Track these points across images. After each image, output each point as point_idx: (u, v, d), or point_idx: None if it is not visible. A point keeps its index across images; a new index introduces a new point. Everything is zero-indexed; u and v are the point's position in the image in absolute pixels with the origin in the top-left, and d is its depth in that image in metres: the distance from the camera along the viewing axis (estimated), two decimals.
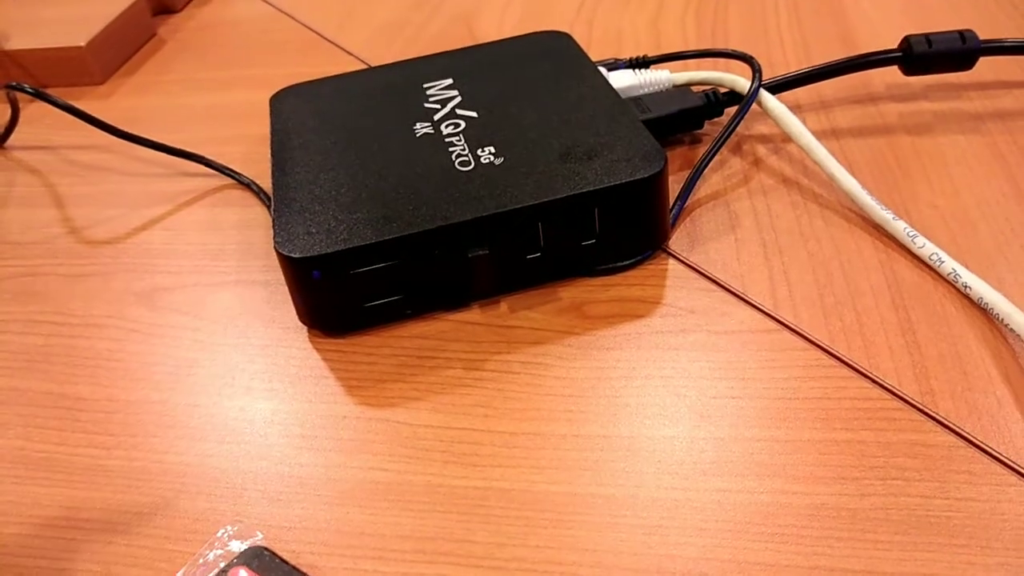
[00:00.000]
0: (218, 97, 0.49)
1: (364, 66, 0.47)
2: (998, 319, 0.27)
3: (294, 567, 0.23)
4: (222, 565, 0.23)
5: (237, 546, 0.24)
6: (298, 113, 0.37)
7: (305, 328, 0.32)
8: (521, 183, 0.30)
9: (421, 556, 0.24)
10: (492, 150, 0.32)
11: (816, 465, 0.25)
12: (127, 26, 0.53)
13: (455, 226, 0.29)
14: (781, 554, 0.23)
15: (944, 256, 0.29)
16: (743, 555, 0.23)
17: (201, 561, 0.24)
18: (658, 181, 0.30)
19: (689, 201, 0.34)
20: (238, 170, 0.41)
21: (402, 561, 0.24)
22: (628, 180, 0.30)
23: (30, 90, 0.43)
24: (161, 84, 0.51)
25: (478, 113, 0.34)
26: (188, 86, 0.50)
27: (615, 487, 0.25)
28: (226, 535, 0.24)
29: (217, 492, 0.27)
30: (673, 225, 0.33)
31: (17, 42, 0.50)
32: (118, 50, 0.52)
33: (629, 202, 0.30)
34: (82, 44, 0.49)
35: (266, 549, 0.23)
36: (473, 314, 0.31)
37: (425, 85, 0.37)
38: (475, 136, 0.33)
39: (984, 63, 0.37)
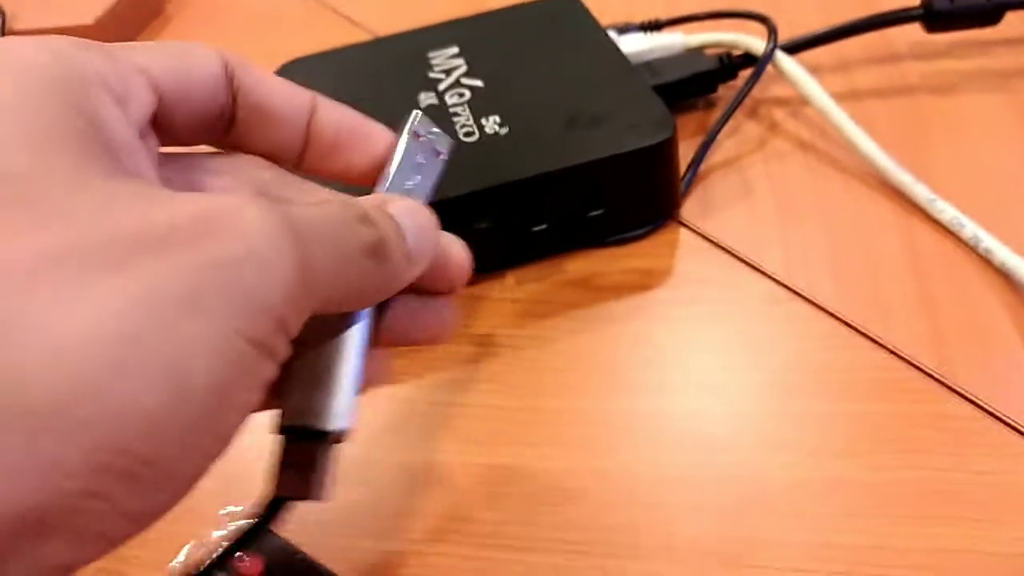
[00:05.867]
0: None
1: (371, 36, 0.46)
2: (1020, 284, 0.26)
3: (294, 546, 0.23)
4: (225, 544, 0.23)
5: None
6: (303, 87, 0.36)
7: None
8: (526, 153, 0.29)
9: (423, 535, 0.23)
10: (497, 120, 0.31)
11: (829, 438, 0.24)
12: (135, 3, 0.52)
13: (458, 199, 0.28)
14: (792, 531, 0.22)
15: (965, 220, 0.28)
16: (751, 532, 0.22)
17: (204, 541, 0.24)
18: (667, 148, 0.29)
19: (702, 168, 0.33)
20: None
21: (403, 540, 0.23)
22: (635, 148, 0.29)
23: None
24: None
25: (484, 82, 0.33)
26: None
27: (621, 463, 0.24)
28: (228, 515, 0.24)
29: (219, 472, 0.26)
30: (685, 193, 0.32)
31: (25, 21, 0.50)
32: (126, 28, 0.52)
33: (637, 171, 0.29)
34: (90, 22, 0.49)
35: (268, 529, 0.23)
36: (478, 288, 0.30)
37: (430, 54, 0.36)
38: (480, 106, 0.32)
39: (1011, 18, 0.35)
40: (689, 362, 0.27)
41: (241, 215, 0.14)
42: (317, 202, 0.17)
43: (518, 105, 0.32)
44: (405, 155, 0.20)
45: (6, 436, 0.11)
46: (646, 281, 0.29)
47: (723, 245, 0.30)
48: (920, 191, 0.29)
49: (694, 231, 0.31)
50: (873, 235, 0.29)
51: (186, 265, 0.13)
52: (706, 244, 0.30)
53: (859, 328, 0.26)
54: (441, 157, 0.21)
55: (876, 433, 0.24)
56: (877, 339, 0.26)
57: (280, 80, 0.19)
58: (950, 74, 0.36)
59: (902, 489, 0.22)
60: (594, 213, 0.30)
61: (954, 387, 0.24)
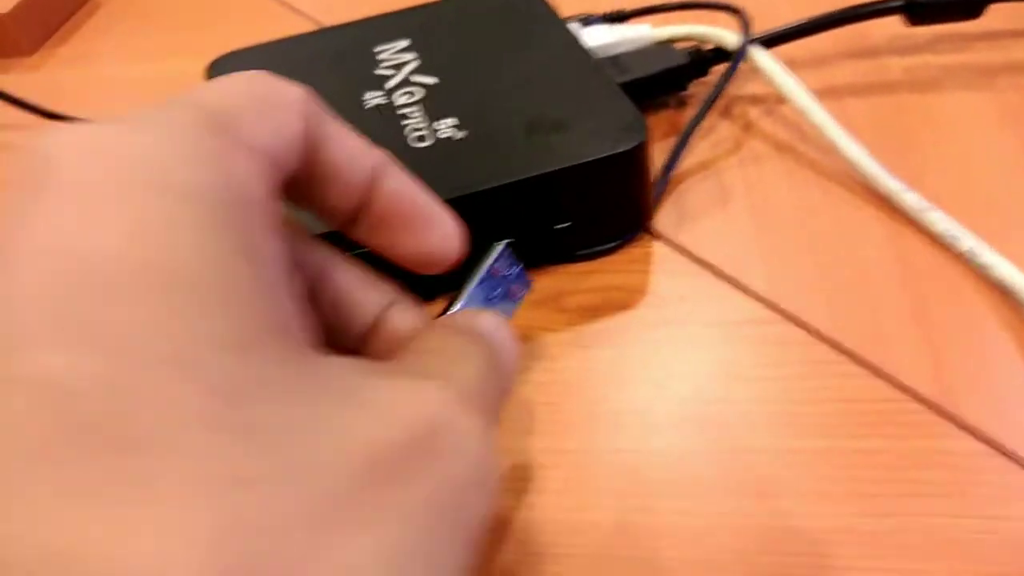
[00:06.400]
0: (159, 67, 0.44)
1: (315, 27, 0.43)
2: (1022, 303, 0.24)
3: None
4: None
5: None
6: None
7: None
8: (483, 162, 0.27)
9: None
10: (453, 122, 0.28)
11: (825, 480, 0.22)
12: None
13: None
14: None
15: (960, 232, 0.26)
16: None
17: None
18: (638, 155, 0.27)
19: (675, 173, 0.31)
20: None
21: None
22: (604, 155, 0.26)
23: None
24: (96, 54, 0.46)
25: (438, 79, 0.31)
26: (126, 55, 0.46)
27: (598, 511, 0.22)
28: None
29: None
30: (657, 201, 0.29)
31: None
32: (48, 17, 0.48)
33: (606, 180, 0.27)
34: (3, 12, 0.45)
35: None
36: (435, 310, 0.27)
37: (377, 49, 0.33)
38: (434, 106, 0.29)
39: (994, 11, 0.33)
40: (671, 392, 0.24)
41: (454, 425, 0.12)
42: (465, 358, 0.15)
43: (475, 106, 0.29)
44: (477, 288, 0.19)
45: None
46: (620, 300, 0.27)
47: (700, 258, 0.28)
48: (910, 199, 0.27)
49: (669, 244, 0.28)
50: (860, 248, 0.27)
51: (420, 505, 0.11)
52: (682, 258, 0.28)
53: (851, 352, 0.24)
54: (517, 300, 0.20)
55: (875, 473, 0.22)
56: (872, 364, 0.24)
57: (353, 136, 0.17)
58: (932, 69, 0.34)
59: (908, 539, 0.20)
60: (561, 226, 0.27)
61: (958, 420, 0.22)
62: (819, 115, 0.30)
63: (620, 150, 0.26)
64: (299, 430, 0.11)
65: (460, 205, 0.25)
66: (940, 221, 0.26)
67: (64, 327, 0.10)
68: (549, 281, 0.28)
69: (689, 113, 0.32)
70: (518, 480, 0.23)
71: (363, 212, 0.17)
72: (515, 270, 0.20)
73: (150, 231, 0.11)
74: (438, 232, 0.17)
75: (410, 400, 0.12)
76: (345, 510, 0.10)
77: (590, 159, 0.26)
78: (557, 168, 0.26)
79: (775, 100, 0.33)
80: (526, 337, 0.26)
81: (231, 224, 0.12)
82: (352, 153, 0.16)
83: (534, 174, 0.26)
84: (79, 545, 0.09)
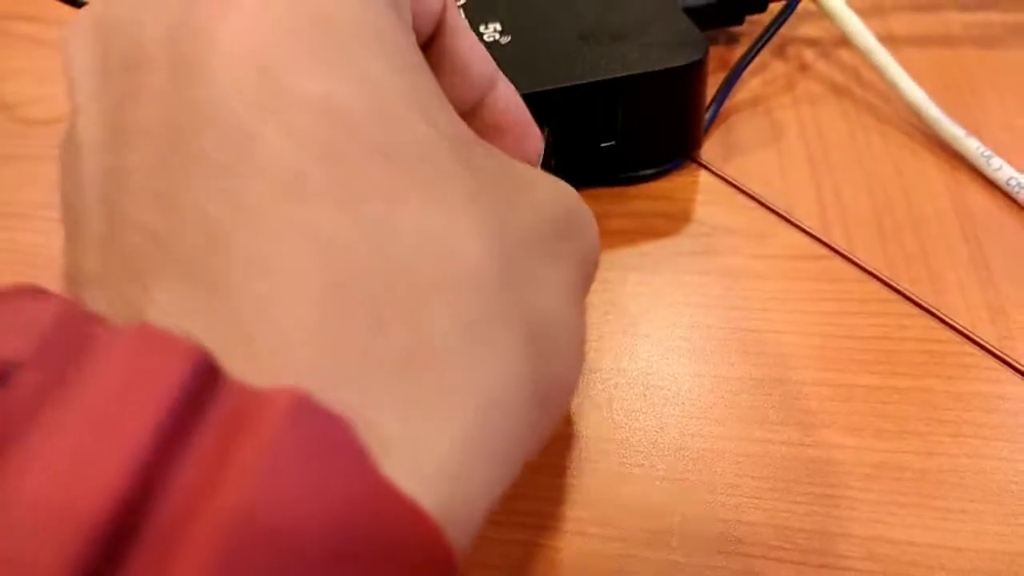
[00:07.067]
0: None
1: None
2: None
3: None
4: None
5: None
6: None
7: None
8: (530, 67, 0.25)
9: None
10: (498, 27, 0.27)
11: (874, 416, 0.21)
12: None
13: None
14: (830, 519, 0.19)
15: (1023, 180, 0.25)
16: (784, 518, 0.19)
17: None
18: (696, 73, 0.25)
19: (725, 107, 0.29)
20: None
21: None
22: (661, 68, 0.25)
23: None
24: None
25: None
26: None
27: (630, 431, 0.21)
28: None
29: None
30: (706, 131, 0.28)
31: None
32: None
33: (661, 96, 0.25)
34: None
35: None
36: None
37: None
38: (479, 10, 0.28)
39: None
40: (712, 320, 0.23)
41: (587, 213, 0.15)
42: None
43: (524, 12, 0.27)
44: None
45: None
46: (662, 226, 0.26)
47: (749, 191, 0.26)
48: (972, 145, 0.26)
49: (715, 173, 0.27)
50: (918, 191, 0.26)
51: (574, 260, 0.14)
52: (729, 189, 0.27)
53: (906, 292, 0.23)
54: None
55: (927, 412, 0.20)
56: (927, 305, 0.23)
57: (475, 39, 0.17)
58: (995, 27, 0.33)
59: (960, 479, 0.19)
60: (606, 144, 0.26)
61: (1015, 364, 0.21)
62: (882, 56, 0.28)
63: (679, 64, 0.25)
64: (503, 185, 0.13)
65: None
66: (1003, 168, 0.25)
67: (313, 63, 0.11)
68: (589, 201, 0.26)
69: (740, 51, 0.31)
70: None
71: (475, 119, 0.18)
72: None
73: (351, 3, 0.12)
74: (532, 141, 0.18)
75: (561, 189, 0.15)
76: (537, 255, 0.13)
77: (646, 71, 0.25)
78: (610, 77, 0.25)
79: (832, 43, 0.32)
80: None
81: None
82: (477, 51, 0.17)
83: (585, 81, 0.24)
84: (388, 222, 0.11)
